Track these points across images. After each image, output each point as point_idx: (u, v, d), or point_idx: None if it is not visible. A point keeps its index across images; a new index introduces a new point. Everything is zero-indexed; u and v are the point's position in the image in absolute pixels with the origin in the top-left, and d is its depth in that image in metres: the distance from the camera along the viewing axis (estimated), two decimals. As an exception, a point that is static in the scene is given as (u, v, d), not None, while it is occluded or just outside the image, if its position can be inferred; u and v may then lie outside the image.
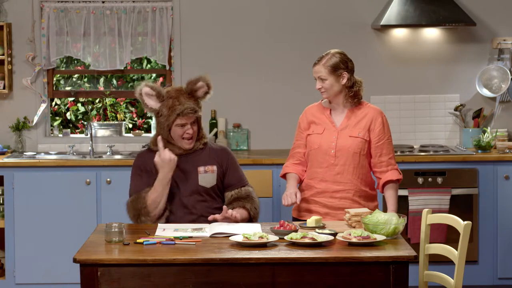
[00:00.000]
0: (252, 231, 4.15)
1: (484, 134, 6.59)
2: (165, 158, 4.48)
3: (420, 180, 6.29)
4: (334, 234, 4.10)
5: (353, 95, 4.67)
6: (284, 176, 4.83)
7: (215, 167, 4.60)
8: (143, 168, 4.64)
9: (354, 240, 3.96)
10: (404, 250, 3.88)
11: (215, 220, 4.45)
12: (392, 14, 6.50)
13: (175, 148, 4.61)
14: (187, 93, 4.61)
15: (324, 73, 4.61)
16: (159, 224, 4.46)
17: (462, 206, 6.28)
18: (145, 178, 4.61)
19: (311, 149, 4.72)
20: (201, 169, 4.57)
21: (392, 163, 4.71)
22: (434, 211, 5.70)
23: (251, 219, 4.65)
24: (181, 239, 4.08)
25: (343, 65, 4.62)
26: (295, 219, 4.76)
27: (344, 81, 4.63)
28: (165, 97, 4.58)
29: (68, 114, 8.22)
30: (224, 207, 4.46)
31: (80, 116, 8.24)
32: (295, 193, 4.61)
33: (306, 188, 4.75)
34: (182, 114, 4.53)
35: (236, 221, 4.47)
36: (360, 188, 4.68)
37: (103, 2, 6.81)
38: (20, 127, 6.80)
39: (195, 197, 4.60)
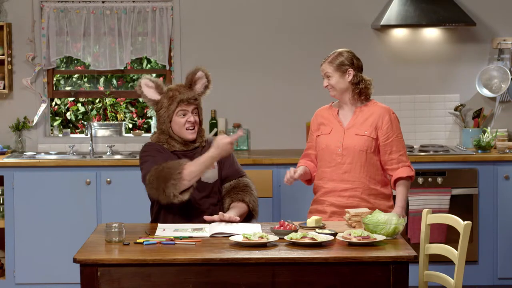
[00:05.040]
0: (252, 231, 4.15)
1: (484, 134, 6.58)
2: (222, 140, 4.44)
3: (420, 180, 6.28)
4: (334, 234, 4.10)
5: (360, 92, 4.68)
6: None
7: (215, 163, 4.59)
8: (158, 149, 4.60)
9: (354, 240, 3.96)
10: (404, 250, 3.88)
11: (213, 220, 4.44)
12: (392, 14, 6.50)
13: (176, 143, 4.61)
14: (187, 86, 4.65)
15: (330, 70, 4.65)
16: (159, 224, 4.46)
17: (462, 206, 6.28)
18: (162, 158, 4.54)
19: (319, 150, 4.76)
20: None
21: (403, 160, 4.69)
22: (434, 211, 5.70)
23: (250, 212, 4.64)
24: (181, 239, 4.08)
25: (349, 62, 4.65)
26: None
27: (350, 77, 4.65)
28: (165, 89, 4.63)
29: (68, 114, 8.22)
30: (220, 213, 4.43)
31: (80, 116, 8.23)
32: (294, 170, 4.66)
33: (316, 190, 4.78)
34: (183, 101, 4.56)
35: (235, 221, 4.46)
36: (369, 186, 4.67)
37: (103, 2, 6.81)
38: (20, 127, 6.80)
39: (200, 193, 4.59)
